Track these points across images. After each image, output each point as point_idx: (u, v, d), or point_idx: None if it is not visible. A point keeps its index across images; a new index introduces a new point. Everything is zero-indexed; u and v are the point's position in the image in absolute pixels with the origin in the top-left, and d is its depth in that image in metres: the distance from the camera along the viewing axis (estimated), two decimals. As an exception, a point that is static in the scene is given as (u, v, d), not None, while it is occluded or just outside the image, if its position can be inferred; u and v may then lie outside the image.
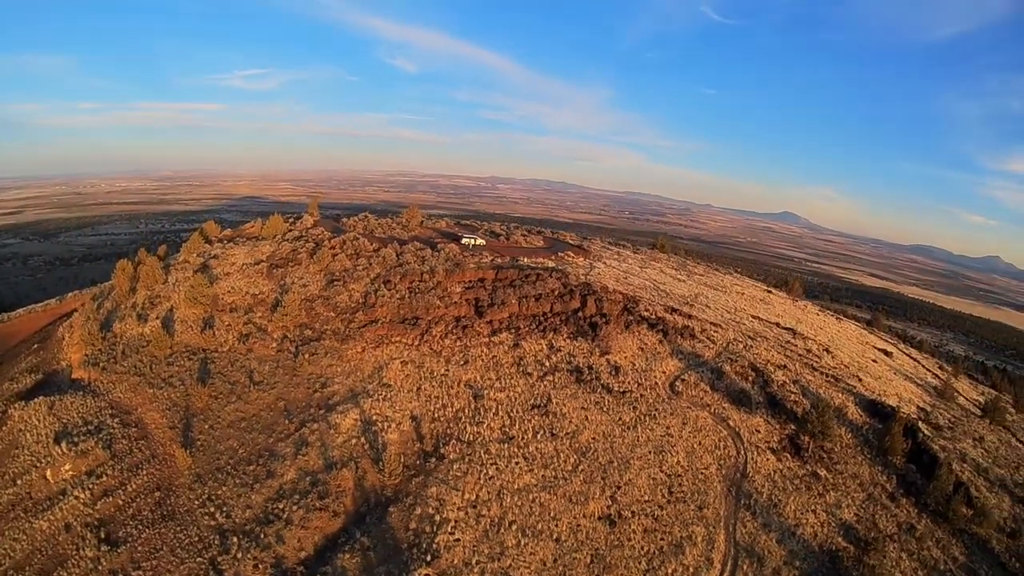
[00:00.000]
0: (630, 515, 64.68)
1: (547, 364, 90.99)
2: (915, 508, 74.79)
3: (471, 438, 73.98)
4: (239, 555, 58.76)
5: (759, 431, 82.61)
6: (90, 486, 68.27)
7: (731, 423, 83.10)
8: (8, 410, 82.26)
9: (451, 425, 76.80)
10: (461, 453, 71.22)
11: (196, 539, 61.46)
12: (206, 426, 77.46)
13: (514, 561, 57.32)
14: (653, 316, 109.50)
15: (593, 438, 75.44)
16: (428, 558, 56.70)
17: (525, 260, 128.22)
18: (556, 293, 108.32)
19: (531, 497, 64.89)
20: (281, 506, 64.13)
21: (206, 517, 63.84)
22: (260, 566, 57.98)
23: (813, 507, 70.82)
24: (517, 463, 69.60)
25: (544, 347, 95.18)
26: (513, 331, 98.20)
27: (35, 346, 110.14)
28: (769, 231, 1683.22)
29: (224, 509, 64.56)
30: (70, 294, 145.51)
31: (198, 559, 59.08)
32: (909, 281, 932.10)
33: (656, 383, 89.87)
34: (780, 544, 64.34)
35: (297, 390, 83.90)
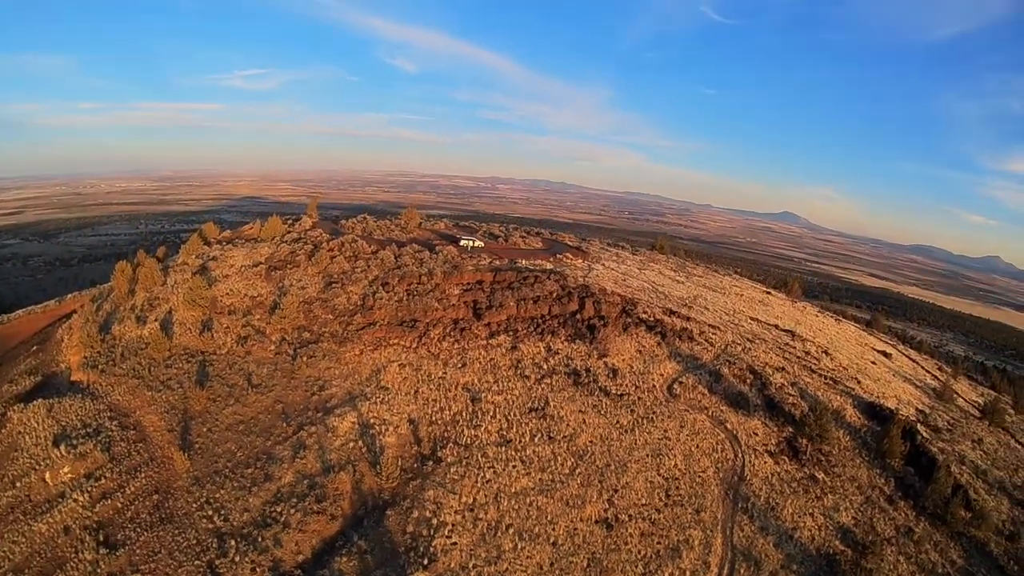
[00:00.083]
0: (627, 519, 64.71)
1: (545, 367, 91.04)
2: (913, 511, 74.82)
3: (468, 441, 74.05)
4: (237, 558, 58.70)
5: (757, 434, 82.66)
6: (89, 489, 68.20)
7: (729, 426, 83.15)
8: (7, 412, 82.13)
9: (449, 428, 76.84)
10: (458, 456, 71.28)
11: (194, 542, 61.40)
12: (204, 429, 77.43)
13: (511, 565, 57.36)
14: (651, 318, 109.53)
15: (590, 441, 75.49)
16: (425, 562, 56.70)
17: (523, 262, 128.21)
18: (554, 295, 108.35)
19: (528, 500, 64.94)
20: (279, 509, 64.12)
21: (204, 520, 63.76)
22: (258, 569, 57.94)
23: (811, 510, 70.83)
24: (514, 466, 69.64)
25: (542, 350, 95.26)
26: (511, 333, 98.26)
27: (34, 348, 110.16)
28: (769, 231, 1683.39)
29: (222, 512, 64.50)
30: (69, 295, 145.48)
31: (196, 562, 59.02)
32: (909, 281, 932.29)
33: (654, 386, 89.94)
34: (777, 548, 64.33)
35: (295, 393, 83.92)
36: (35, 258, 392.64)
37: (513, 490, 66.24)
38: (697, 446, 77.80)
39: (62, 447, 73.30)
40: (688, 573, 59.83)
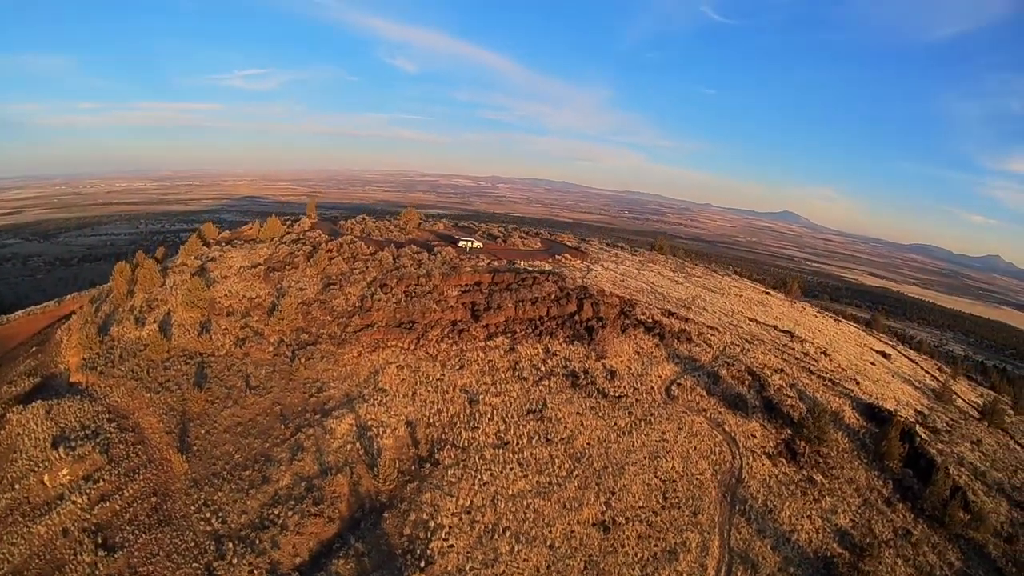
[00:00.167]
0: (624, 521, 64.72)
1: (543, 368, 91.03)
2: (911, 513, 74.80)
3: (466, 443, 74.04)
4: (235, 561, 58.81)
5: (755, 436, 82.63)
6: (87, 491, 68.39)
7: (727, 428, 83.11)
8: (6, 414, 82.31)
9: (446, 430, 76.84)
10: (456, 459, 71.30)
11: (192, 544, 61.55)
12: (202, 431, 77.54)
13: (507, 567, 57.39)
14: (650, 320, 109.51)
15: (588, 443, 75.49)
16: (422, 564, 56.75)
17: (522, 263, 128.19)
18: (553, 297, 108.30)
19: (525, 503, 64.96)
20: (276, 511, 64.17)
21: (202, 522, 63.90)
22: (255, 572, 58.02)
23: (808, 513, 70.81)
24: (512, 469, 69.64)
25: (540, 351, 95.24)
26: (509, 335, 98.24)
27: (33, 349, 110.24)
28: (769, 230, 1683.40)
29: (220, 514, 64.62)
30: (68, 296, 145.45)
31: (194, 564, 59.18)
32: (909, 280, 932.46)
33: (652, 388, 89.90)
34: (775, 550, 64.34)
35: (293, 395, 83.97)
36: (35, 258, 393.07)
37: (510, 492, 66.27)
38: (695, 448, 77.80)
39: (61, 449, 73.49)
40: (685, 576, 59.97)
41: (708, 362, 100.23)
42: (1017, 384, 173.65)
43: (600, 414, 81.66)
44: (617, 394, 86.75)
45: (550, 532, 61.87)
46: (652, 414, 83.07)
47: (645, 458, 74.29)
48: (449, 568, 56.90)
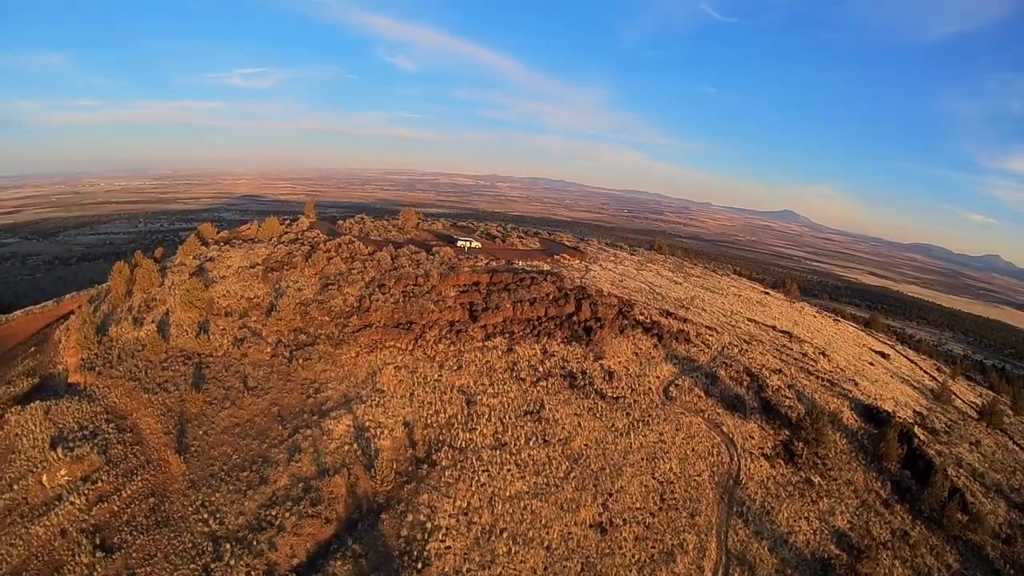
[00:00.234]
0: (621, 523, 64.77)
1: (541, 369, 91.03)
2: (909, 515, 74.73)
3: (463, 444, 74.08)
4: (232, 562, 58.84)
5: (753, 437, 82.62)
6: (85, 492, 68.36)
7: (725, 429, 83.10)
8: (5, 414, 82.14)
9: (444, 431, 76.86)
10: (453, 460, 71.32)
11: (190, 545, 61.56)
12: (200, 432, 77.49)
13: (504, 569, 57.46)
14: (648, 320, 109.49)
15: (585, 444, 75.54)
16: (419, 566, 56.81)
17: (520, 263, 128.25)
18: (551, 297, 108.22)
19: (522, 504, 65.03)
20: (274, 513, 64.18)
21: (200, 523, 63.89)
22: (253, 573, 58.08)
23: (806, 514, 70.81)
24: (509, 470, 69.71)
25: (538, 352, 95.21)
26: (507, 336, 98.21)
27: (32, 349, 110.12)
28: (768, 229, 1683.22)
29: (217, 516, 64.62)
30: (67, 296, 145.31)
31: (192, 566, 59.20)
32: (908, 280, 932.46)
33: (650, 388, 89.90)
34: (772, 552, 64.36)
35: (291, 395, 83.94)
36: (34, 257, 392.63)
37: (507, 494, 66.33)
38: (693, 449, 77.81)
39: (59, 450, 73.41)
40: (682, 578, 60.00)
41: (706, 363, 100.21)
42: (1016, 384, 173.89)
43: (598, 415, 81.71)
44: (615, 395, 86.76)
45: (547, 534, 61.92)
46: (650, 415, 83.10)
47: (643, 459, 74.32)
48: (446, 570, 56.93)
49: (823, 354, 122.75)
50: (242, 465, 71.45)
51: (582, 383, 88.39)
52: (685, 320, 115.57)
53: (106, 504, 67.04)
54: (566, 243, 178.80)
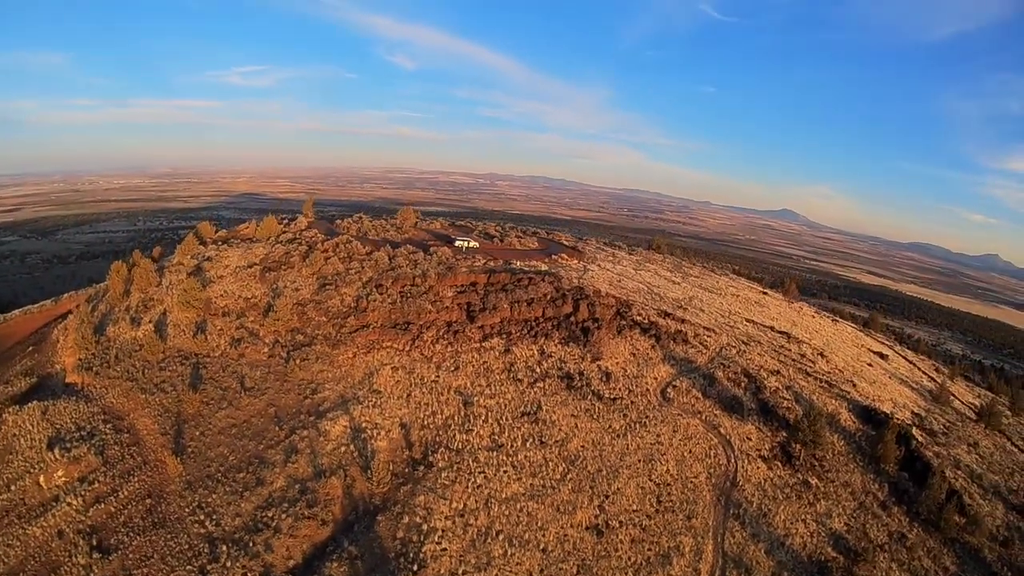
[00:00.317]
0: (618, 525, 64.71)
1: (538, 370, 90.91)
2: (907, 517, 74.70)
3: (460, 446, 73.92)
4: (228, 564, 58.67)
5: (750, 439, 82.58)
6: (82, 492, 68.28)
7: (722, 431, 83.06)
8: (3, 415, 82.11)
9: (440, 433, 76.72)
10: (450, 461, 71.18)
11: (186, 547, 61.36)
12: (197, 432, 77.35)
13: (500, 571, 57.38)
14: (646, 321, 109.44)
15: (582, 446, 75.47)
16: (415, 568, 56.70)
17: (518, 263, 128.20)
18: (548, 297, 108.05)
19: (519, 506, 64.92)
20: (270, 514, 64.04)
21: (196, 525, 63.72)
22: (249, 575, 57.95)
23: (803, 516, 70.79)
24: (505, 471, 69.59)
25: (535, 353, 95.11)
26: (504, 336, 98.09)
27: (30, 348, 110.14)
28: (768, 228, 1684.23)
29: (214, 517, 64.45)
30: (65, 295, 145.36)
31: (188, 567, 59.02)
32: (907, 279, 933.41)
33: (647, 390, 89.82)
34: (769, 555, 64.33)
35: (288, 396, 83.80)
36: (33, 255, 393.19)
37: (504, 496, 66.23)
38: (690, 451, 77.77)
39: (56, 450, 73.40)
40: (678, 580, 59.98)
41: (704, 364, 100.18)
42: (1015, 384, 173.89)
43: (595, 416, 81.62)
44: (612, 396, 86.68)
45: (543, 536, 61.84)
46: (647, 416, 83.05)
47: (639, 461, 74.27)
48: (442, 572, 56.84)
49: (821, 355, 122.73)
50: (239, 466, 71.33)
51: (579, 384, 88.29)
52: (683, 321, 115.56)
53: (103, 505, 66.95)
54: (564, 243, 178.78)
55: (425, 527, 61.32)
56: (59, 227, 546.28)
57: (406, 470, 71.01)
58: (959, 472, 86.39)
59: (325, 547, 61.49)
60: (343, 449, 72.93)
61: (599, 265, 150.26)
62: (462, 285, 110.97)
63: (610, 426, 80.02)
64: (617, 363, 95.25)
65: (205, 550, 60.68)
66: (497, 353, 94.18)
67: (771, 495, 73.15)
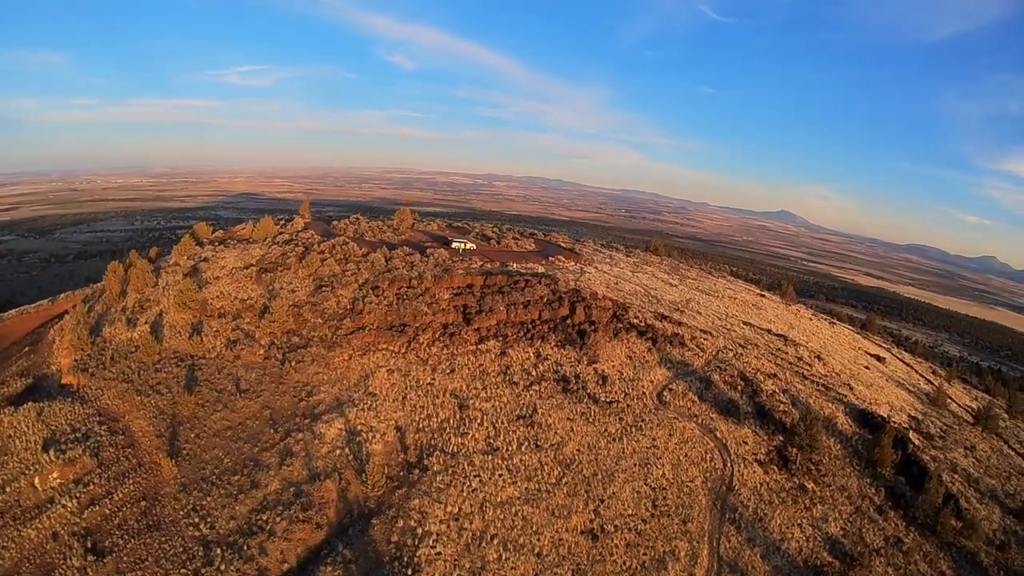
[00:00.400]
0: (613, 529, 64.63)
1: (534, 373, 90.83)
2: (903, 521, 74.64)
3: (455, 449, 73.84)
4: (222, 567, 58.51)
5: (747, 443, 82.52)
6: (77, 495, 67.97)
7: (718, 434, 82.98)
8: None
9: (435, 436, 76.61)
10: (445, 464, 71.11)
11: (180, 550, 61.16)
12: (192, 435, 77.14)
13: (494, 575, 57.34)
14: (643, 323, 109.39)
15: (578, 450, 75.36)
16: (409, 572, 56.56)
17: (515, 265, 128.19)
18: (545, 300, 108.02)
19: (514, 510, 64.84)
20: (265, 517, 63.90)
21: (191, 528, 63.54)
22: (243, 578, 57.90)
23: (799, 521, 70.70)
24: (501, 475, 69.50)
25: (531, 355, 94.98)
26: (500, 339, 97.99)
27: (26, 348, 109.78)
28: (765, 230, 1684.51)
29: (208, 520, 64.29)
30: (62, 295, 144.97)
31: (182, 570, 58.84)
32: (905, 281, 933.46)
33: (643, 393, 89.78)
34: (764, 559, 64.22)
35: (283, 398, 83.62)
36: (30, 254, 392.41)
37: (499, 499, 66.14)
38: (686, 455, 77.70)
39: (51, 452, 73.05)
40: (673, 585, 59.88)
41: (701, 367, 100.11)
42: (1012, 386, 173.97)
43: (591, 420, 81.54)
44: (608, 399, 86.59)
45: (538, 540, 61.73)
46: (643, 420, 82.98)
47: (635, 465, 74.18)
48: (436, 576, 56.81)
49: (818, 358, 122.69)
50: (233, 469, 71.15)
51: (575, 387, 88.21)
52: (680, 323, 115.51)
53: (98, 507, 66.68)
54: (562, 244, 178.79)
55: (420, 531, 61.22)
56: (57, 226, 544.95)
57: (401, 473, 70.91)
58: (956, 476, 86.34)
59: (319, 550, 61.37)
60: (338, 452, 72.80)
61: (596, 267, 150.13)
62: (458, 287, 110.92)
63: (606, 430, 79.93)
64: (613, 366, 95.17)
65: (199, 553, 60.48)
66: (493, 356, 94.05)
67: (767, 499, 73.07)
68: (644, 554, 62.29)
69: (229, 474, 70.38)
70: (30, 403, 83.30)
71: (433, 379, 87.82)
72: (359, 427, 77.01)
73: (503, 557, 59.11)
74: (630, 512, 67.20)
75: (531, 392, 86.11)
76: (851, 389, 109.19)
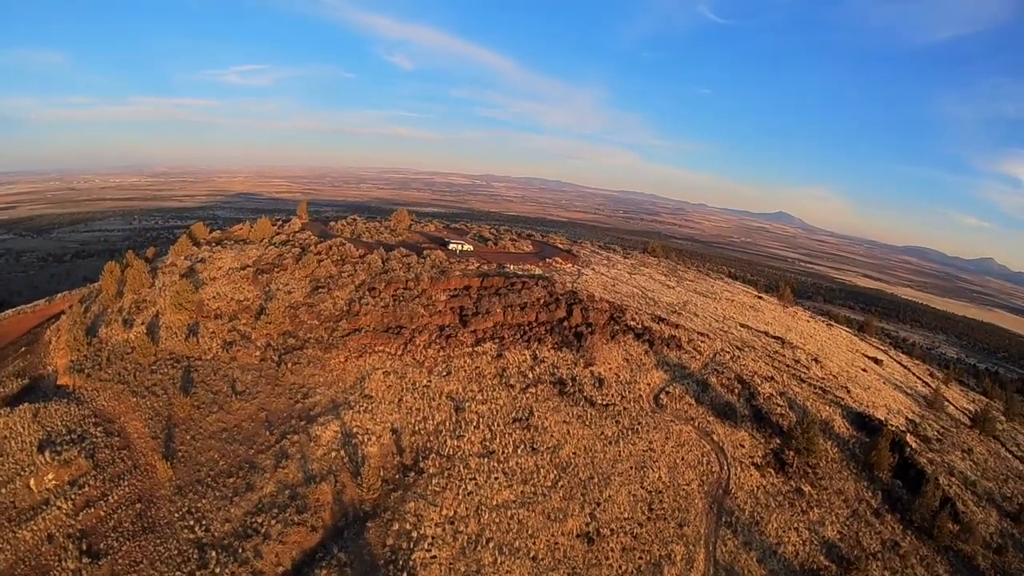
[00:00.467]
0: (609, 533, 64.57)
1: (530, 375, 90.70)
2: (900, 525, 74.78)
3: (451, 452, 73.73)
4: (217, 569, 58.35)
5: (743, 446, 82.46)
6: (73, 496, 67.75)
7: (715, 437, 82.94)
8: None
9: (431, 438, 76.45)
10: (440, 467, 70.98)
11: (175, 552, 60.97)
12: (188, 436, 76.88)
13: (490, 580, 57.22)
14: (640, 326, 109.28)
15: (574, 453, 75.28)
16: (404, 575, 56.45)
17: (512, 267, 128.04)
18: (542, 302, 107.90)
19: (509, 514, 64.76)
20: (260, 520, 63.70)
21: (186, 530, 63.32)
22: (238, 582, 57.74)
23: (796, 525, 70.70)
24: (496, 478, 69.41)
25: (528, 358, 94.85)
26: (497, 341, 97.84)
27: (23, 349, 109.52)
28: (763, 231, 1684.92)
29: (203, 522, 64.07)
30: (59, 295, 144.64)
31: (177, 573, 58.65)
32: (902, 282, 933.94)
33: (640, 396, 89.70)
34: (760, 563, 64.21)
35: (279, 400, 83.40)
36: (28, 254, 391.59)
37: (494, 503, 66.04)
38: (682, 458, 77.62)
39: (47, 453, 72.76)
40: (669, 589, 59.81)
41: (698, 369, 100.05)
42: (1009, 389, 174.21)
43: (587, 423, 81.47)
44: (605, 402, 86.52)
45: (534, 543, 61.65)
46: (640, 423, 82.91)
47: (631, 468, 74.11)
48: (431, 580, 56.68)
49: (816, 360, 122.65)
50: (229, 471, 70.95)
51: (572, 390, 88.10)
52: (677, 326, 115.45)
53: (93, 509, 66.46)
54: (559, 246, 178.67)
55: (415, 534, 61.10)
56: (55, 225, 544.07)
57: (397, 476, 70.72)
58: (953, 479, 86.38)
59: (314, 553, 61.18)
60: (334, 454, 72.66)
61: (593, 269, 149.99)
62: (455, 289, 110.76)
63: (602, 432, 79.84)
64: (610, 369, 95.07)
65: (194, 556, 60.28)
66: (489, 358, 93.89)
67: (764, 503, 73.06)
68: (640, 558, 62.25)
69: (224, 476, 70.15)
70: (26, 404, 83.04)
71: (429, 381, 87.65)
72: (355, 429, 76.80)
73: (498, 561, 59.00)
74: (626, 515, 67.14)
75: (527, 395, 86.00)
76: (848, 392, 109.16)
